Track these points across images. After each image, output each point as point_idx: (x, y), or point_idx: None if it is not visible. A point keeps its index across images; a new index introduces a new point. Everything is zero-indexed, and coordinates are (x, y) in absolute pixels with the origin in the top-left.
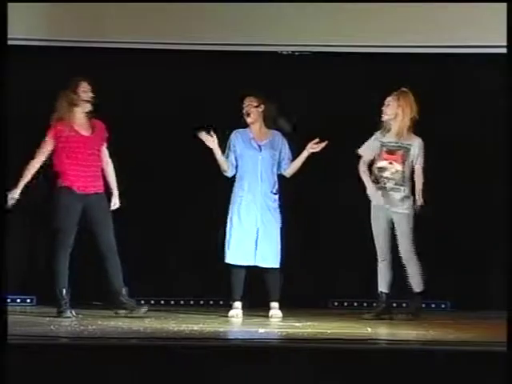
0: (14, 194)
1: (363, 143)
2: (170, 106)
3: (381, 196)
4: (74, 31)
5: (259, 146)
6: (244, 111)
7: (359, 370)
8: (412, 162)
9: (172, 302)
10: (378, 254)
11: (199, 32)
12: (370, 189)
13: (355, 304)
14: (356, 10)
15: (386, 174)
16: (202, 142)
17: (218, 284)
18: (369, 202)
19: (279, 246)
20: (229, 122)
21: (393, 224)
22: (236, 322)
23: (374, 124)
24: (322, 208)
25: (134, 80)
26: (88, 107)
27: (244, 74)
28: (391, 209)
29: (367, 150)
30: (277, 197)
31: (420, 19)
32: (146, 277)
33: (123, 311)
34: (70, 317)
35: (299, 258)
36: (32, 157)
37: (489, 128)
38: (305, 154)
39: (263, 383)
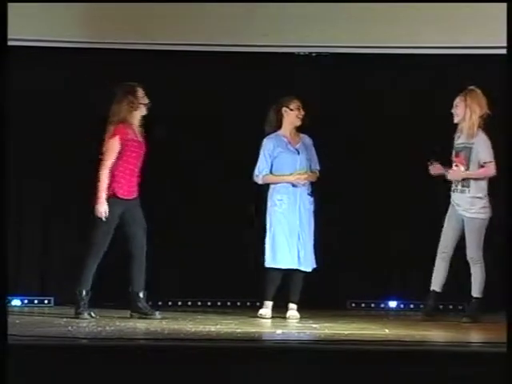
0: (103, 205)
1: (384, 143)
2: (176, 106)
3: (454, 199)
4: (74, 31)
5: (296, 150)
6: (300, 115)
7: (377, 371)
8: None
9: (189, 304)
10: (439, 247)
11: (202, 32)
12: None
13: (372, 305)
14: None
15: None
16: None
17: (236, 286)
18: (378, 204)
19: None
20: (246, 124)
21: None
22: (262, 322)
23: (397, 124)
24: (336, 209)
25: (136, 81)
26: (144, 111)
27: (260, 75)
28: (462, 211)
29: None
30: (312, 199)
31: (421, 20)
32: (163, 278)
33: (137, 314)
34: (87, 318)
35: (316, 258)
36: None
37: (488, 128)
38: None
39: None
